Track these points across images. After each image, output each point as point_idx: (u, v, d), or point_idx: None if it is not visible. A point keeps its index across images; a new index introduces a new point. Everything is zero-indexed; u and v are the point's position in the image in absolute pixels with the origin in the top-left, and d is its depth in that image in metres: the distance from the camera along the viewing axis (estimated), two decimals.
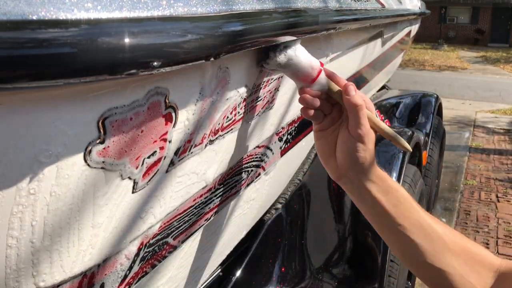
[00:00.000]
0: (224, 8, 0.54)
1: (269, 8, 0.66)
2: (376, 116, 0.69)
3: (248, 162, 0.89)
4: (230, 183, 0.83)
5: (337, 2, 1.04)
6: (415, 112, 2.32)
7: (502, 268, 0.66)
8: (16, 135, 0.37)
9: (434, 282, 0.68)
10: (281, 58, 0.68)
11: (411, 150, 0.81)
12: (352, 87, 0.66)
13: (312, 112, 0.67)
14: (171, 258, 0.70)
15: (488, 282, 0.65)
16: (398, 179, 1.22)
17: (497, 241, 2.73)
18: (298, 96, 0.69)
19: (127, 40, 0.38)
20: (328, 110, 0.69)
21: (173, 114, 0.55)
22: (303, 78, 0.69)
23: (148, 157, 0.53)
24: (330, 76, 0.69)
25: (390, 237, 0.70)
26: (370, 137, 0.66)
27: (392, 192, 0.67)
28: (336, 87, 0.68)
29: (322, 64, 0.70)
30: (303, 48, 0.71)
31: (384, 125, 0.69)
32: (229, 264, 1.03)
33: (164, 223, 0.64)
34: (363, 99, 0.66)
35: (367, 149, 0.65)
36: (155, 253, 0.64)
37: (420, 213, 0.68)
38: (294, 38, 0.70)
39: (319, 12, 0.85)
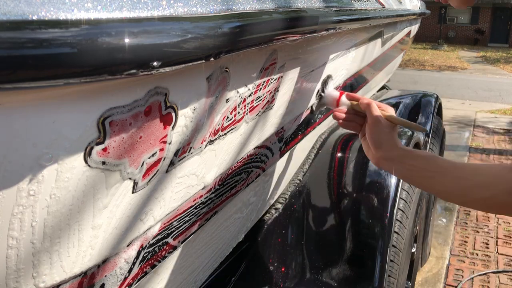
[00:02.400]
0: (224, 8, 0.54)
1: (269, 8, 0.66)
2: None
3: (248, 163, 0.89)
4: (230, 183, 0.83)
5: (337, 2, 1.03)
6: (415, 112, 2.32)
7: None
8: (16, 135, 0.37)
9: None
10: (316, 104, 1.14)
11: (427, 130, 0.99)
12: (364, 97, 0.93)
13: (347, 124, 0.95)
14: (171, 258, 0.70)
15: None
16: (398, 179, 1.22)
17: (497, 241, 2.73)
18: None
19: (127, 40, 0.38)
20: (361, 121, 0.94)
21: (173, 114, 0.55)
22: (331, 104, 1.06)
23: (148, 157, 0.53)
24: (351, 97, 0.99)
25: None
26: (383, 124, 0.87)
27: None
28: (356, 103, 0.94)
29: (342, 93, 1.02)
30: (329, 87, 1.14)
31: (399, 118, 0.90)
32: (229, 264, 1.03)
33: (164, 223, 0.64)
34: (378, 104, 0.90)
35: (385, 132, 0.86)
36: (155, 253, 0.64)
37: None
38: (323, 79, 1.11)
39: (319, 12, 0.85)
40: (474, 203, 0.76)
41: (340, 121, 0.95)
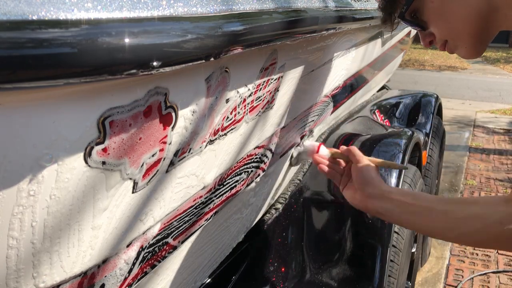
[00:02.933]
0: (224, 8, 0.54)
1: (269, 8, 0.66)
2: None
3: (248, 163, 0.89)
4: (230, 183, 0.83)
5: (337, 2, 1.03)
6: (415, 112, 2.32)
7: None
8: (16, 135, 0.37)
9: None
10: (295, 154, 1.17)
11: (407, 167, 0.99)
12: (342, 146, 0.95)
13: (329, 172, 0.94)
14: (171, 258, 0.70)
15: None
16: (398, 179, 1.22)
17: None
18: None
19: (127, 40, 0.38)
20: (341, 171, 0.93)
21: (173, 115, 0.55)
22: (311, 154, 1.06)
23: (148, 158, 0.53)
24: (330, 149, 1.00)
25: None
26: (368, 163, 0.88)
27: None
28: (335, 151, 0.96)
29: (320, 144, 1.06)
30: (307, 142, 1.15)
31: (379, 159, 0.93)
32: (229, 264, 1.03)
33: (164, 223, 0.64)
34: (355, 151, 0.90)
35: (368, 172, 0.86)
36: (155, 253, 0.64)
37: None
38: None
39: (319, 12, 0.85)
40: (467, 236, 0.73)
41: (326, 170, 0.94)
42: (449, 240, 0.85)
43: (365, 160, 0.88)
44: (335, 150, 0.96)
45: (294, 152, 1.16)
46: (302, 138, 1.18)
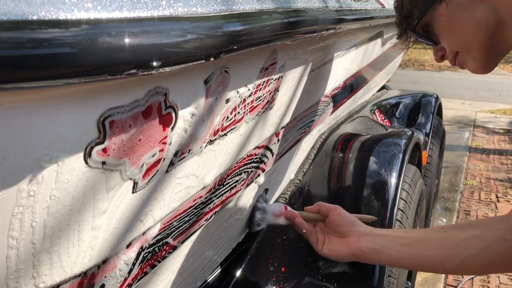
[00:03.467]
0: (224, 8, 0.54)
1: (269, 8, 0.66)
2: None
3: (248, 163, 0.89)
4: (230, 183, 0.83)
5: (337, 2, 1.03)
6: (415, 112, 2.32)
7: None
8: (16, 136, 0.37)
9: None
10: (258, 220, 1.02)
11: (376, 218, 0.96)
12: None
13: (308, 229, 0.88)
14: (171, 258, 0.70)
15: None
16: (398, 179, 1.22)
17: None
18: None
19: (127, 40, 0.38)
20: (313, 230, 0.89)
21: (173, 115, 0.55)
22: (278, 215, 0.95)
23: (148, 158, 0.53)
24: (297, 212, 0.93)
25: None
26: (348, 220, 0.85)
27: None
28: (306, 214, 0.91)
29: (285, 207, 0.96)
30: (268, 206, 1.02)
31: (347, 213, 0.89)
32: (229, 264, 1.03)
33: (164, 224, 0.64)
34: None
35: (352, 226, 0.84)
36: (155, 253, 0.64)
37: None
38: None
39: (319, 12, 0.85)
40: (471, 259, 0.69)
41: (306, 226, 0.88)
42: (451, 271, 0.80)
43: (340, 208, 0.86)
44: (301, 212, 0.91)
45: (256, 217, 1.01)
46: (257, 199, 1.03)
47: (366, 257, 0.80)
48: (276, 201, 1.20)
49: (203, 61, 0.50)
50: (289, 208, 0.94)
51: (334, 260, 0.87)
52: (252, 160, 0.90)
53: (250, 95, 0.76)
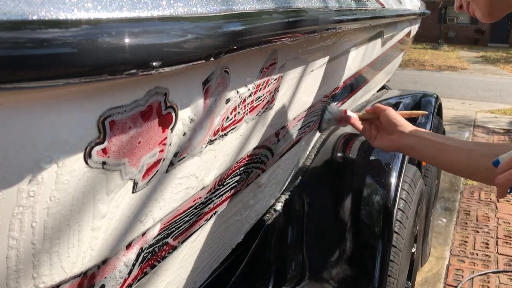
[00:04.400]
0: (224, 8, 0.54)
1: (269, 8, 0.66)
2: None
3: (248, 163, 0.89)
4: (230, 183, 0.83)
5: (337, 2, 1.03)
6: None
7: None
8: (16, 136, 0.37)
9: None
10: (325, 120, 1.28)
11: (426, 112, 1.22)
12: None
13: (362, 127, 1.08)
14: (171, 258, 0.70)
15: None
16: (398, 179, 1.22)
17: (497, 241, 2.73)
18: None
19: (127, 40, 0.38)
20: (368, 127, 1.08)
21: (173, 115, 0.55)
22: (338, 119, 1.22)
23: (148, 158, 0.53)
24: (356, 113, 1.14)
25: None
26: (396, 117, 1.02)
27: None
28: (363, 114, 1.09)
29: (345, 111, 1.15)
30: (332, 107, 1.28)
31: (402, 112, 1.08)
32: (229, 264, 1.03)
33: (164, 224, 0.64)
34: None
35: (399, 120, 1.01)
36: (155, 253, 0.64)
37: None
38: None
39: (319, 12, 0.85)
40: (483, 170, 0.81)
41: (360, 126, 1.08)
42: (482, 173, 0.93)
43: (392, 109, 1.01)
44: (360, 113, 1.10)
45: (324, 117, 1.26)
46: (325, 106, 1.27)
47: (405, 151, 1.01)
48: (278, 199, 1.20)
49: (203, 61, 0.50)
50: (348, 112, 1.14)
51: (383, 150, 1.05)
52: (252, 160, 0.90)
53: (250, 95, 0.76)
